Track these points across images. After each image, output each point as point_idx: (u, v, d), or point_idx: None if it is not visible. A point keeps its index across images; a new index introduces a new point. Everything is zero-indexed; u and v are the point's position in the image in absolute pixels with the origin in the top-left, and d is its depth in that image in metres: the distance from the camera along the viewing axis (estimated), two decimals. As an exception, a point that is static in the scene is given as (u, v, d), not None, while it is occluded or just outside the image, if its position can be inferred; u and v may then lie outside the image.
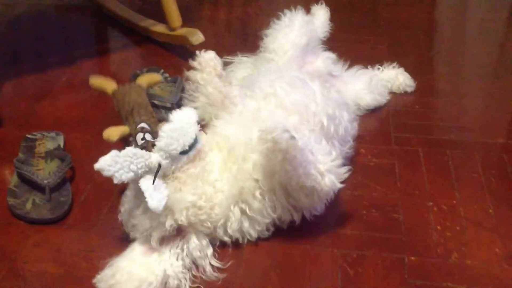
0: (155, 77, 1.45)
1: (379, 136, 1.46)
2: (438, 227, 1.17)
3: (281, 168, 1.03)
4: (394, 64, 1.69)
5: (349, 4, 2.26)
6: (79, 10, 2.23)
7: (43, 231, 1.18)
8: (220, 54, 1.29)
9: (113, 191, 1.28)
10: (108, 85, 1.35)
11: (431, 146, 1.41)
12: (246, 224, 1.11)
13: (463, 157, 1.38)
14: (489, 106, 1.60)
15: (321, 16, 1.77)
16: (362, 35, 2.00)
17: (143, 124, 1.24)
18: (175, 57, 1.85)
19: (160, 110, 1.53)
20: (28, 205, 1.21)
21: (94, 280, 1.04)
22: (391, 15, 2.15)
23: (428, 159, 1.37)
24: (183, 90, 1.59)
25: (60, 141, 1.40)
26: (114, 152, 1.00)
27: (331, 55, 1.59)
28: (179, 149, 1.05)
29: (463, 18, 2.19)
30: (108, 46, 1.99)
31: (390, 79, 1.65)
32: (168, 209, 1.03)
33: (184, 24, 1.82)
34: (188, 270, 1.06)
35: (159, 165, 1.03)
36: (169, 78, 1.67)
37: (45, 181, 1.22)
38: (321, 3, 1.81)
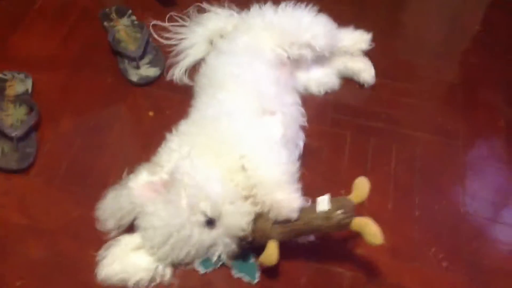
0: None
1: (318, 115, 1.59)
2: (343, 216, 1.40)
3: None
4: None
5: None
6: None
7: (10, 179, 1.37)
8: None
9: (74, 143, 1.45)
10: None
11: (358, 131, 1.57)
12: None
13: (382, 147, 1.54)
14: (422, 93, 1.71)
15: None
16: None
17: None
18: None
19: (123, 60, 1.65)
20: (-3, 154, 1.38)
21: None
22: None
23: (352, 145, 1.54)
24: (148, 40, 1.70)
25: (29, 85, 1.53)
26: None
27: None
28: None
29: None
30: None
31: (355, 70, 1.67)
32: None
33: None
34: None
35: None
36: (135, 22, 1.76)
37: (13, 134, 1.38)
38: None
